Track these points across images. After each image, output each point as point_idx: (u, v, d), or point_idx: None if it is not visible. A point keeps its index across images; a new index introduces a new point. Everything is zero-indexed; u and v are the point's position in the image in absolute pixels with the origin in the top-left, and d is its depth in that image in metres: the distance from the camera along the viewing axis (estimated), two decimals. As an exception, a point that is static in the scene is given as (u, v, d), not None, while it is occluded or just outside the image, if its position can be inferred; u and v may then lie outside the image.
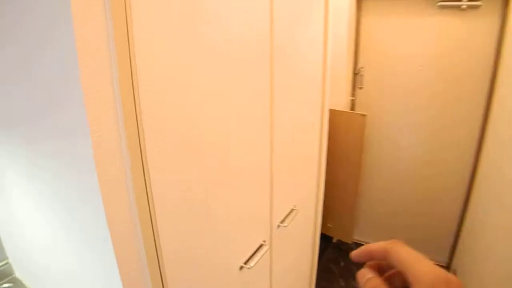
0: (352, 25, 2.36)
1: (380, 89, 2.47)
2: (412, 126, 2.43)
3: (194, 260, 0.82)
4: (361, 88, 2.53)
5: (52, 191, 0.69)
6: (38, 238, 0.87)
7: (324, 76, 1.44)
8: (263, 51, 0.95)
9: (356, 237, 2.82)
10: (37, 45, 0.55)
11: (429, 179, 2.47)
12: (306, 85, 1.32)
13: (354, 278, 2.11)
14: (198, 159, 0.76)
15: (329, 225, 2.62)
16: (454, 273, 2.39)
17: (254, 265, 1.05)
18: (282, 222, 1.25)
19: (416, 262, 0.34)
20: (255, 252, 1.10)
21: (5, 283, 1.10)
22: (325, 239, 2.61)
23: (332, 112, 1.96)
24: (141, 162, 0.58)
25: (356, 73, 2.51)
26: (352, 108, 2.58)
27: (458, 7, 2.06)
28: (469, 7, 2.03)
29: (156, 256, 0.67)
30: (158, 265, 0.68)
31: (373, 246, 0.38)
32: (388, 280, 0.36)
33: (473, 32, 2.08)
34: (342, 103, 2.47)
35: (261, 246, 1.12)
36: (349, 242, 2.70)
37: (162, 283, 0.70)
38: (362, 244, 2.42)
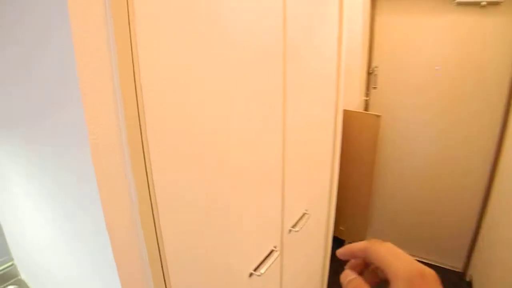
0: (366, 23, 2.30)
1: (394, 89, 2.40)
2: (427, 127, 2.36)
3: (201, 267, 0.77)
4: (375, 88, 2.47)
5: (51, 192, 0.66)
6: (39, 238, 0.85)
7: (339, 75, 1.39)
8: (275, 49, 0.91)
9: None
10: (36, 45, 0.52)
11: (445, 180, 2.39)
12: (320, 84, 1.27)
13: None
14: (207, 161, 0.72)
15: (341, 228, 2.57)
16: (470, 279, 2.31)
17: (265, 271, 1.01)
18: (293, 226, 1.21)
19: (393, 259, 0.36)
20: (265, 258, 1.05)
21: (10, 284, 1.09)
22: (337, 242, 2.55)
23: (346, 113, 1.90)
24: (144, 167, 0.55)
25: (370, 73, 2.45)
26: (366, 108, 2.52)
27: (478, 4, 1.98)
28: (489, 4, 1.96)
29: (160, 262, 0.63)
30: (162, 272, 0.64)
31: (355, 245, 0.40)
32: (374, 272, 0.39)
33: (493, 30, 2.00)
34: (355, 103, 2.41)
35: (271, 252, 1.08)
36: (361, 245, 2.63)
37: (167, 292, 0.67)
38: (376, 248, 2.36)
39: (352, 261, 0.42)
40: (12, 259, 1.10)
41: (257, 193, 0.96)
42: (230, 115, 0.77)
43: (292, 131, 1.07)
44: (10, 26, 0.56)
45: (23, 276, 1.11)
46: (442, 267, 2.53)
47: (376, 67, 2.42)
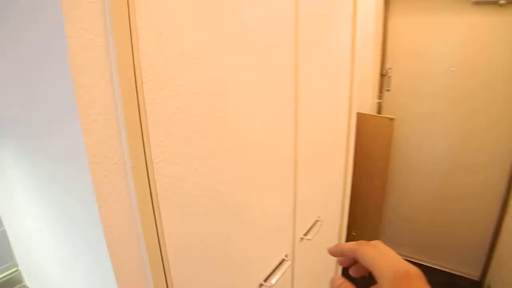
0: (379, 23, 2.24)
1: (408, 92, 2.33)
2: (442, 131, 2.28)
3: (207, 278, 0.73)
4: (388, 90, 2.40)
5: (51, 199, 0.63)
6: (40, 245, 0.82)
7: (352, 77, 1.34)
8: (286, 51, 0.87)
9: (382, 246, 2.67)
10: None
11: (461, 185, 2.30)
12: (333, 86, 1.22)
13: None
14: (215, 164, 0.67)
15: (353, 233, 2.51)
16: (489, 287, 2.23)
17: (275, 282, 0.96)
18: (305, 234, 1.16)
19: (379, 259, 0.37)
20: (276, 268, 1.01)
21: (14, 291, 1.07)
22: (348, 248, 2.50)
23: (358, 115, 1.85)
24: (146, 173, 0.51)
25: (383, 75, 2.39)
26: (379, 111, 2.46)
27: (496, 2, 1.91)
28: (509, 2, 1.88)
29: (163, 271, 0.59)
30: (165, 282, 0.60)
31: (344, 246, 0.43)
32: (364, 268, 0.40)
33: (512, 30, 1.93)
34: (367, 106, 2.35)
35: (282, 261, 1.03)
36: (373, 251, 2.56)
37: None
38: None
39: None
40: (16, 265, 1.08)
41: (268, 200, 0.92)
42: (241, 117, 0.73)
43: (304, 134, 1.02)
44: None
45: (27, 282, 1.08)
46: (458, 275, 2.45)
47: (389, 68, 2.36)
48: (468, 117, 2.17)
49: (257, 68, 0.75)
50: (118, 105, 0.45)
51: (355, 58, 1.33)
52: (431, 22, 2.15)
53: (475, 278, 2.40)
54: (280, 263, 1.03)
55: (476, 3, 1.96)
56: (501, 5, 1.90)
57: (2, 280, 1.06)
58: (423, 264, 2.56)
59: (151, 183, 0.51)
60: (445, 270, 2.50)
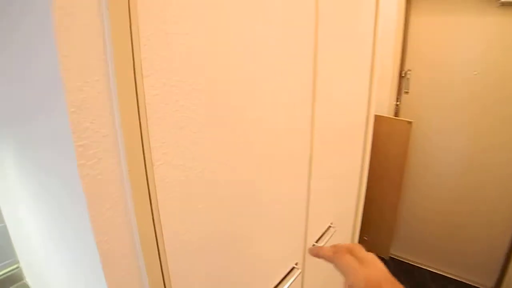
0: (400, 23, 2.16)
1: (428, 95, 2.25)
2: (463, 137, 2.19)
3: (214, 287, 0.68)
4: (407, 92, 2.32)
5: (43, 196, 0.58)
6: (35, 240, 0.80)
7: (372, 77, 1.27)
8: (304, 48, 0.81)
9: (394, 252, 2.59)
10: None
11: (478, 192, 2.21)
12: (352, 87, 1.16)
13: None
14: (222, 168, 0.62)
15: (365, 237, 2.44)
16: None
17: (284, 292, 0.91)
18: (317, 241, 1.10)
19: (352, 270, 0.38)
20: (285, 277, 0.95)
21: (13, 288, 1.04)
22: (360, 254, 2.43)
23: (375, 118, 1.78)
24: (145, 174, 0.46)
25: (402, 76, 2.30)
26: (396, 114, 2.38)
27: (525, 3, 1.81)
28: (539, 3, 1.79)
29: (162, 279, 0.54)
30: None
31: (322, 251, 0.44)
32: None
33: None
34: (385, 108, 2.28)
35: (292, 269, 0.98)
36: (385, 257, 2.49)
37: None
38: (400, 260, 2.22)
39: None
40: (17, 262, 1.05)
41: (279, 206, 0.86)
42: (253, 118, 0.67)
43: (320, 135, 0.96)
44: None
45: (28, 280, 1.05)
46: (471, 285, 2.36)
47: (409, 70, 2.27)
48: (489, 124, 2.07)
49: (273, 63, 0.70)
50: (113, 101, 0.40)
51: (375, 57, 1.26)
52: (454, 23, 2.06)
53: (489, 289, 2.30)
54: (290, 271, 0.97)
55: (504, 4, 1.87)
56: (530, 6, 1.80)
57: (3, 277, 1.03)
58: (435, 272, 2.47)
59: (150, 188, 0.46)
60: (457, 278, 2.41)
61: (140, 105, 0.42)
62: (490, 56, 1.98)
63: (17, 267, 1.06)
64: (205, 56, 0.52)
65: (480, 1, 1.94)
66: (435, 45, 2.15)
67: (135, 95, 0.41)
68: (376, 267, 0.39)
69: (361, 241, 2.38)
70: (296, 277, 0.97)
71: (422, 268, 2.51)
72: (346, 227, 1.45)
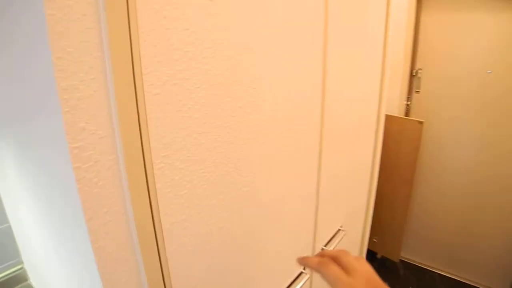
0: (411, 20, 2.11)
1: (439, 94, 2.19)
2: (475, 137, 2.13)
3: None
4: (418, 92, 2.27)
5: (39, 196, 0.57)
6: (35, 240, 0.79)
7: (383, 76, 1.24)
8: (314, 44, 0.78)
9: (404, 255, 2.54)
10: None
11: (491, 195, 2.15)
12: (362, 85, 1.12)
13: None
14: (227, 169, 0.60)
15: (374, 239, 2.40)
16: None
17: (292, 298, 0.88)
18: (326, 245, 1.07)
19: (338, 281, 0.38)
20: (292, 283, 0.92)
21: (17, 289, 1.03)
22: (369, 254, 2.38)
23: (385, 117, 1.74)
24: (145, 177, 0.43)
25: (413, 75, 2.26)
26: (407, 113, 2.33)
27: (542, 0, 1.76)
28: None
29: (162, 282, 0.52)
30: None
31: (309, 261, 0.45)
32: None
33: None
34: (395, 108, 2.23)
35: (300, 274, 0.95)
36: (395, 260, 2.44)
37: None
38: (410, 263, 2.17)
39: None
40: (22, 263, 1.04)
41: (288, 209, 0.83)
42: (260, 116, 0.65)
43: (329, 137, 0.93)
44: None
45: (32, 281, 1.04)
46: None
47: (420, 69, 2.22)
48: (502, 124, 2.01)
49: (280, 62, 0.67)
50: (111, 100, 0.37)
51: (386, 56, 1.23)
52: (466, 21, 2.01)
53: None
54: (298, 277, 0.94)
55: (518, 1, 1.82)
56: (548, 2, 1.74)
57: (7, 277, 1.03)
58: (446, 276, 2.42)
59: (150, 192, 0.44)
60: (469, 283, 2.35)
61: (139, 104, 0.39)
62: (504, 54, 1.92)
63: (21, 268, 1.05)
64: (209, 53, 0.49)
65: (493, -2, 1.89)
66: (447, 44, 2.10)
67: (134, 94, 0.39)
68: (360, 276, 0.39)
69: (370, 242, 2.34)
70: (305, 282, 0.94)
71: (433, 272, 2.46)
72: (356, 228, 1.41)
